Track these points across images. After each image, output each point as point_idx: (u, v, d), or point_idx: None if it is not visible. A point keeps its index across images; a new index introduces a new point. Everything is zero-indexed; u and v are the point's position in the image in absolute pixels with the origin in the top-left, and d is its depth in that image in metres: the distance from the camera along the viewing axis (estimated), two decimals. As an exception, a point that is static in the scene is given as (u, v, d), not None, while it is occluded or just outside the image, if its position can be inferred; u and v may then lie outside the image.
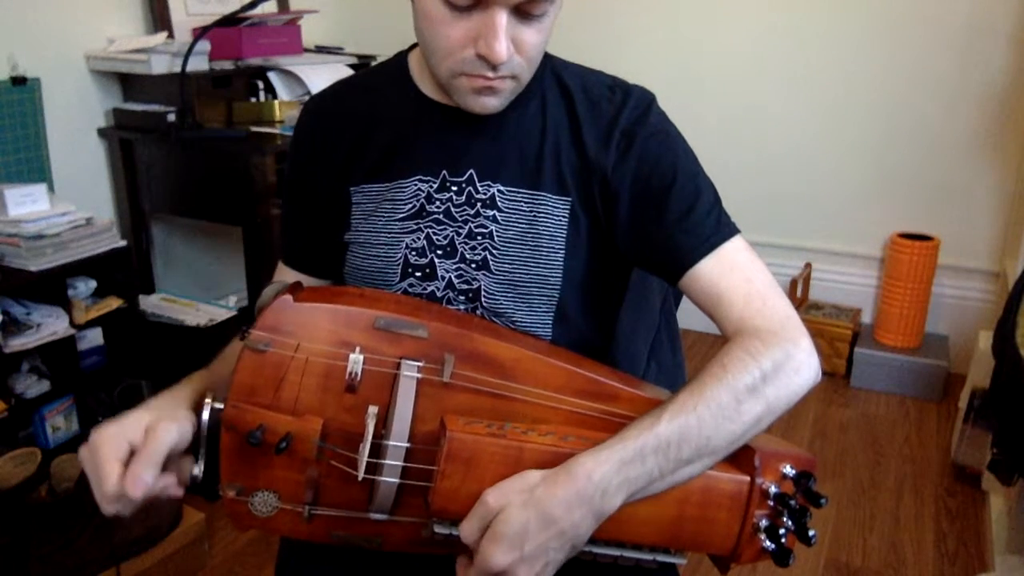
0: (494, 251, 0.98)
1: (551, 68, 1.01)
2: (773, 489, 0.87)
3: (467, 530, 0.81)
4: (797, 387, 0.89)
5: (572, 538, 0.81)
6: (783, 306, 0.92)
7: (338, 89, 1.10)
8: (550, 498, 0.79)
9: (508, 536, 0.78)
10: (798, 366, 0.88)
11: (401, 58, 1.05)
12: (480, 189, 0.98)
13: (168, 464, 0.84)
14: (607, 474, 0.80)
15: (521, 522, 0.78)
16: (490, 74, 0.89)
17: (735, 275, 0.93)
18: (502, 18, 0.85)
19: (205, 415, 0.85)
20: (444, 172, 0.99)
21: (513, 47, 0.88)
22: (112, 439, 0.84)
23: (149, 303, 2.41)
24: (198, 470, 0.86)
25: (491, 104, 0.93)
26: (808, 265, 3.16)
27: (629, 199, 0.96)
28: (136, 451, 0.83)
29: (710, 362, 0.88)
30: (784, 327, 0.90)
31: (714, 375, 0.86)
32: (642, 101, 0.99)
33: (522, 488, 0.80)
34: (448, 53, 0.89)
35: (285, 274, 1.13)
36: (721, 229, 0.95)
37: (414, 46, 1.05)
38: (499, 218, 0.98)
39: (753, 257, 0.95)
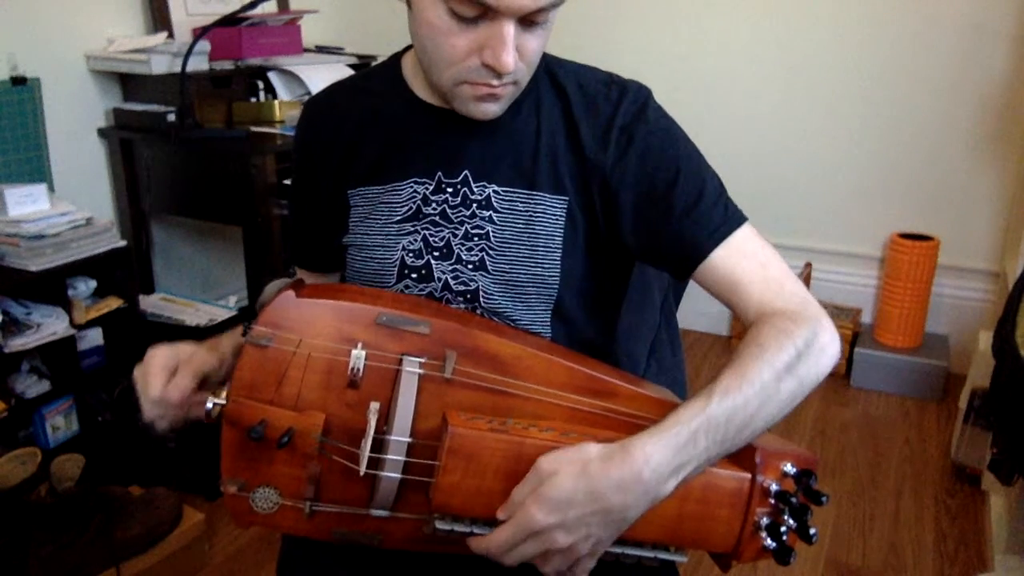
0: (491, 252, 0.98)
1: (545, 66, 1.01)
2: (774, 487, 0.88)
3: (519, 493, 0.81)
4: (825, 365, 0.90)
5: (619, 519, 0.81)
6: (800, 289, 0.94)
7: (333, 91, 1.10)
8: (603, 476, 0.79)
9: (553, 499, 0.78)
10: (824, 345, 0.90)
11: (395, 61, 1.05)
12: (475, 190, 0.98)
13: (204, 387, 0.96)
14: (664, 459, 0.80)
15: (569, 489, 0.78)
16: (495, 82, 0.89)
17: (749, 262, 0.93)
18: (510, 29, 0.85)
19: (209, 405, 0.89)
20: (439, 174, 0.99)
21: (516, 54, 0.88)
22: (162, 353, 0.96)
23: (149, 303, 2.41)
24: (223, 397, 0.89)
25: (492, 110, 0.93)
26: (808, 265, 3.16)
27: (633, 197, 0.96)
28: (180, 367, 0.95)
29: (744, 343, 0.88)
30: (805, 307, 0.92)
31: (752, 355, 0.86)
32: (639, 96, 0.99)
33: (578, 459, 0.80)
34: (452, 63, 0.89)
35: (302, 276, 1.15)
36: (730, 218, 0.95)
37: (407, 48, 1.05)
38: (495, 219, 0.98)
39: (764, 243, 0.96)
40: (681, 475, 0.82)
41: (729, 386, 0.84)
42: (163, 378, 0.93)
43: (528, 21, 0.87)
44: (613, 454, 0.80)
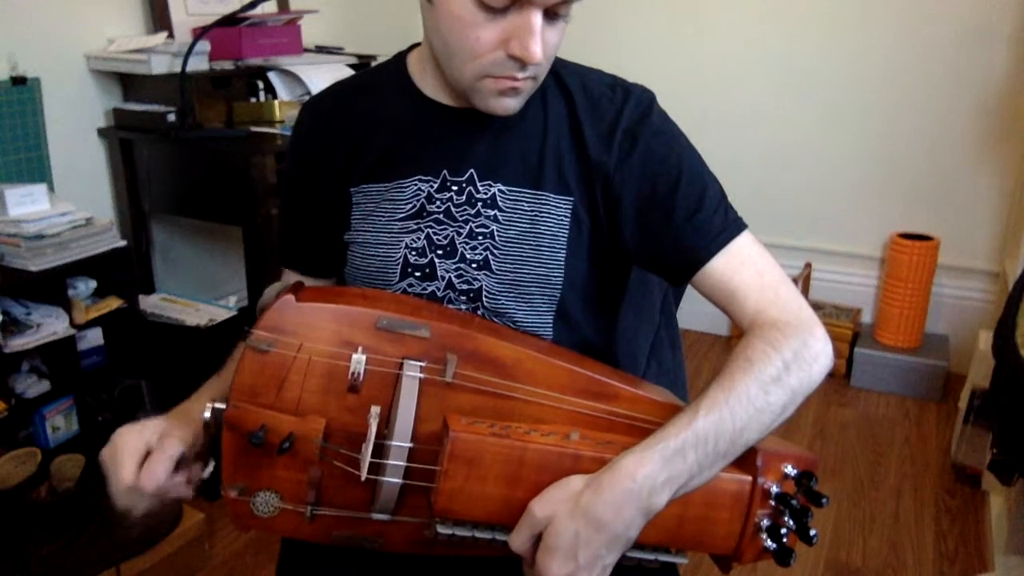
0: (495, 251, 0.98)
1: (551, 67, 1.01)
2: (775, 489, 0.88)
3: (517, 542, 0.82)
4: (816, 374, 0.90)
5: (624, 540, 0.81)
6: (795, 297, 0.94)
7: (336, 90, 1.09)
8: (597, 502, 0.80)
9: (561, 548, 0.79)
10: (816, 354, 0.90)
11: (400, 59, 1.05)
12: (481, 189, 0.98)
13: (180, 467, 0.89)
14: (651, 472, 0.81)
15: (572, 531, 0.79)
16: (518, 75, 0.89)
17: (747, 269, 0.94)
18: (538, 18, 0.85)
19: (207, 414, 0.86)
20: (444, 172, 0.99)
21: None
22: (131, 438, 0.89)
23: (149, 303, 2.41)
24: (206, 473, 0.89)
25: (512, 105, 0.93)
26: (808, 265, 3.16)
27: (634, 200, 0.96)
28: (152, 451, 0.88)
29: (733, 356, 0.89)
30: (799, 317, 0.92)
31: (740, 368, 0.87)
32: (643, 100, 0.99)
33: (567, 496, 0.81)
34: (476, 55, 0.88)
35: (290, 277, 1.13)
36: (729, 225, 0.95)
37: (412, 48, 1.05)
38: (500, 218, 0.98)
39: (762, 250, 0.96)
40: (674, 487, 0.82)
41: (716, 400, 0.85)
42: (134, 465, 0.87)
43: (551, 13, 0.87)
44: (600, 478, 0.81)
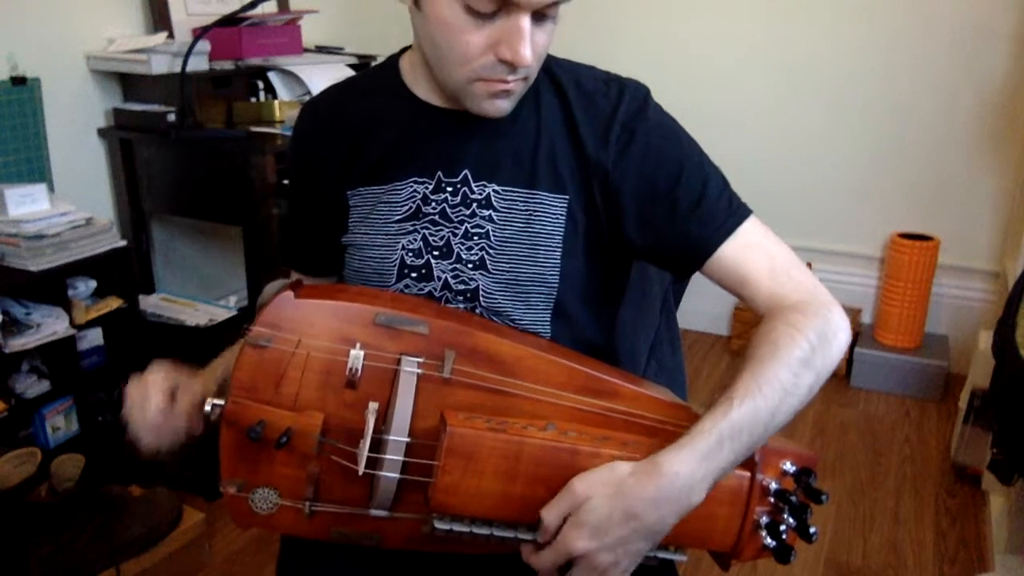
0: (491, 251, 0.98)
1: (543, 65, 1.01)
2: (774, 485, 0.88)
3: (550, 516, 0.82)
4: (838, 351, 0.91)
5: (656, 531, 0.82)
6: (807, 276, 0.95)
7: (333, 93, 1.10)
8: (637, 495, 0.81)
9: (591, 524, 0.80)
10: (836, 331, 0.91)
11: (392, 63, 1.05)
12: (475, 189, 0.98)
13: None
14: (694, 471, 0.81)
15: (605, 513, 0.80)
16: (509, 77, 0.89)
17: (756, 253, 0.94)
18: (526, 22, 0.85)
19: (208, 406, 0.87)
20: (439, 173, 0.99)
21: None
22: (161, 376, 0.96)
23: (149, 303, 2.41)
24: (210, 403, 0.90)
25: (504, 107, 0.93)
26: (808, 265, 3.14)
27: (635, 196, 0.96)
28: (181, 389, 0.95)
29: (756, 342, 0.90)
30: (814, 296, 0.93)
31: (768, 354, 0.88)
32: (638, 94, 0.99)
33: (610, 480, 0.82)
34: (466, 60, 0.88)
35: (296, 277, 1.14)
36: (735, 212, 0.96)
37: (403, 51, 1.05)
38: (495, 218, 0.98)
39: (768, 232, 0.97)
40: (710, 481, 0.83)
41: (748, 389, 0.85)
42: (162, 397, 0.93)
43: (539, 15, 0.87)
44: (644, 471, 0.82)
